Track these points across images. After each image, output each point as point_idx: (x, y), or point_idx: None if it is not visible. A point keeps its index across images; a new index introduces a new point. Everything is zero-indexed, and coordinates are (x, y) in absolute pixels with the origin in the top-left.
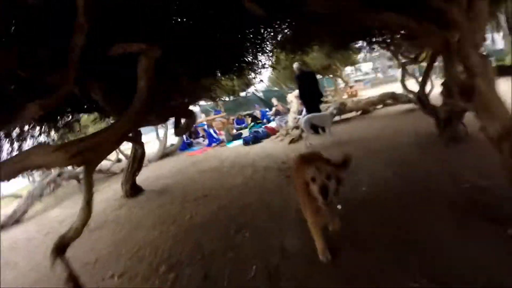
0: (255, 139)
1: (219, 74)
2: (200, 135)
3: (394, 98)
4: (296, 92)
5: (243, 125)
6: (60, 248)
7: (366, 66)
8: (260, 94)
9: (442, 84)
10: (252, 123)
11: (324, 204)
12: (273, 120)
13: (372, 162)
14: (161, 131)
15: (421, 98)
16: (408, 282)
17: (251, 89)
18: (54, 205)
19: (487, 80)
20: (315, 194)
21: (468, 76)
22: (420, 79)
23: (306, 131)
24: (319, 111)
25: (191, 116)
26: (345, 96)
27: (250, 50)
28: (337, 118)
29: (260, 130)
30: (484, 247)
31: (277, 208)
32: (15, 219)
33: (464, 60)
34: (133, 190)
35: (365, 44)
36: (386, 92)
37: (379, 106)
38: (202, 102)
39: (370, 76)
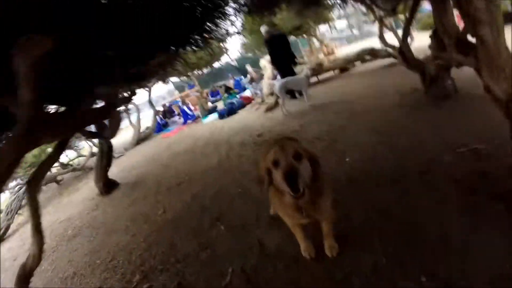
0: (230, 111)
1: (173, 49)
2: (176, 113)
3: (372, 53)
4: (268, 56)
5: (218, 97)
6: (23, 279)
7: (341, 24)
8: (234, 63)
9: (432, 35)
10: (226, 94)
11: (295, 196)
12: (249, 88)
13: (356, 129)
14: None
15: (404, 52)
16: (408, 283)
17: (224, 59)
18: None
19: (494, 29)
20: (279, 183)
21: (468, 25)
22: (399, 32)
23: (281, 97)
24: (294, 74)
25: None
26: (321, 55)
27: (208, 16)
28: (314, 79)
29: (234, 100)
30: (498, 237)
31: (255, 192)
32: None
33: (464, 5)
34: (107, 186)
35: None
36: (364, 48)
37: (358, 63)
38: (174, 79)
39: (346, 33)
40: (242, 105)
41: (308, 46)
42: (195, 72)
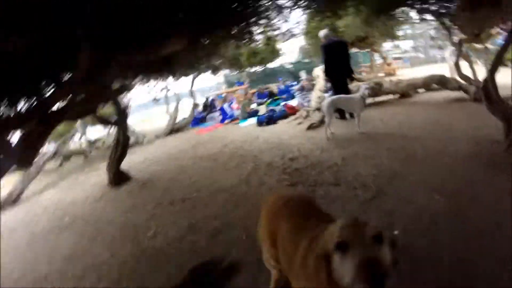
0: (270, 119)
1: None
2: (217, 108)
3: (442, 82)
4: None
5: (266, 99)
6: None
7: (406, 44)
8: (289, 67)
9: None
10: (269, 100)
11: None
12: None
13: (412, 180)
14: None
15: (488, 88)
16: None
17: (280, 60)
18: (49, 186)
19: None
20: (345, 276)
21: None
22: (477, 62)
23: (327, 116)
24: (348, 91)
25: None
26: (381, 74)
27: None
28: (370, 100)
29: (277, 108)
30: None
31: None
32: (12, 200)
33: None
34: (117, 178)
35: (413, 11)
36: (433, 74)
37: (422, 90)
38: (226, 71)
39: (410, 54)
40: (284, 115)
41: (370, 62)
42: (247, 69)
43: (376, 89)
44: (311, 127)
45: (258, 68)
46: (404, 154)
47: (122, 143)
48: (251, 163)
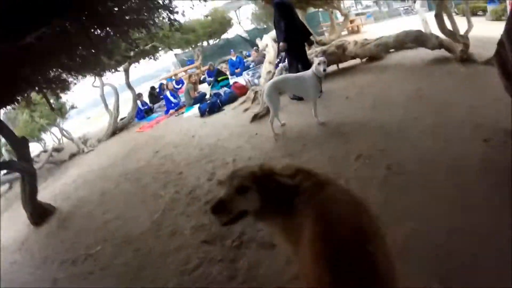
0: (213, 107)
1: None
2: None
3: (419, 40)
4: (273, 33)
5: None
6: None
7: None
8: (245, 35)
9: None
10: (214, 81)
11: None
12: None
13: (404, 205)
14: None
15: (503, 56)
16: None
17: (233, 30)
18: None
19: None
20: None
21: None
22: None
23: (271, 105)
24: (307, 60)
25: None
26: (344, 33)
27: None
28: (332, 67)
29: (222, 91)
30: None
31: None
32: None
33: None
34: (36, 216)
35: None
36: (407, 30)
37: (392, 50)
38: (178, 51)
39: (372, 9)
40: (232, 98)
41: (330, 21)
42: (199, 44)
43: (339, 54)
44: (255, 117)
45: (211, 42)
46: (385, 157)
47: (28, 177)
48: (172, 187)
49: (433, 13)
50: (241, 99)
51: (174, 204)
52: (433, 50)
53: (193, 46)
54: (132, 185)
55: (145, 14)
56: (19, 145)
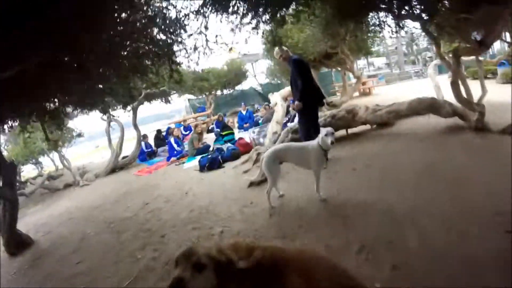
0: (213, 162)
1: None
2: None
3: (433, 108)
4: (285, 91)
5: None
6: None
7: (379, 61)
8: (259, 88)
9: None
10: (218, 134)
11: None
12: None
13: None
14: (115, 136)
15: None
16: None
17: (249, 82)
18: None
19: None
20: None
21: None
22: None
23: (269, 175)
24: (317, 124)
25: None
26: (356, 94)
27: None
28: (340, 132)
29: (225, 147)
30: None
31: None
32: None
33: None
34: (13, 246)
35: (390, 17)
36: (420, 98)
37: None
38: (191, 95)
39: (384, 71)
40: (235, 155)
41: (342, 82)
42: (213, 92)
43: (348, 119)
44: (252, 184)
45: (225, 92)
46: (390, 261)
47: (10, 204)
48: (151, 251)
49: (444, 76)
50: (244, 157)
51: (147, 273)
52: (446, 118)
53: (206, 93)
54: (112, 237)
55: (146, 60)
56: (6, 170)
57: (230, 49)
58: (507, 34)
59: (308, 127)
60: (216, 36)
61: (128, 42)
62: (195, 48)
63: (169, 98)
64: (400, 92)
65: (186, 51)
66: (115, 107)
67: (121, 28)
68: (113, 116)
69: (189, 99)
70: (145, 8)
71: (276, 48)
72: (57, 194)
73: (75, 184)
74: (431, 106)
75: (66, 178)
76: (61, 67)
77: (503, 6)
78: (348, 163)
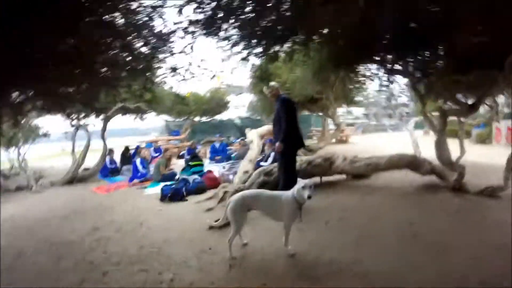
0: (176, 193)
1: None
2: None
3: (413, 165)
4: (262, 129)
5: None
6: None
7: (357, 110)
8: (238, 121)
9: None
10: (186, 164)
11: None
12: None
13: None
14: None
15: None
16: None
17: (229, 113)
18: None
19: None
20: None
21: None
22: None
23: (233, 222)
24: (294, 169)
25: None
26: (332, 140)
27: None
28: (315, 179)
29: (191, 178)
30: None
31: None
32: None
33: None
34: None
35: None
36: (401, 154)
37: None
38: (167, 117)
39: (361, 121)
40: (200, 189)
41: (321, 127)
42: (191, 117)
43: (325, 167)
44: (213, 226)
45: (203, 119)
46: None
47: None
48: None
49: (419, 132)
50: (209, 192)
51: None
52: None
53: (184, 117)
54: (50, 262)
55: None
56: None
57: (213, 76)
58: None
59: (287, 172)
60: (201, 60)
61: (103, 48)
62: (174, 69)
63: (144, 116)
64: (376, 143)
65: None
66: (86, 114)
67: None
68: (81, 124)
69: (166, 120)
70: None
71: (270, 83)
72: (7, 194)
73: (27, 188)
74: (411, 163)
75: (21, 178)
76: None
77: (497, 70)
78: (321, 215)
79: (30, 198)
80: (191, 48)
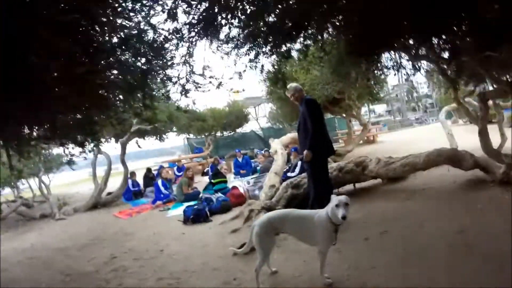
0: (198, 215)
1: None
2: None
3: (454, 160)
4: (286, 137)
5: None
6: None
7: (379, 108)
8: (260, 132)
9: None
10: (208, 182)
11: None
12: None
13: None
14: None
15: None
16: None
17: (250, 125)
18: None
19: None
20: None
21: None
22: None
23: (259, 249)
24: (328, 179)
25: None
26: (360, 142)
27: None
28: (348, 187)
29: (214, 197)
30: None
31: None
32: None
33: None
34: None
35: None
36: (439, 149)
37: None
38: (190, 135)
39: (385, 118)
40: (225, 208)
41: (347, 129)
42: (212, 133)
43: (357, 173)
44: (240, 248)
45: (225, 133)
46: None
47: None
48: None
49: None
50: (235, 210)
51: None
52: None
53: (206, 134)
54: None
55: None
56: None
57: (219, 84)
58: None
59: (319, 183)
60: (204, 68)
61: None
62: (170, 79)
63: (164, 136)
64: (405, 139)
65: (165, 82)
66: (108, 139)
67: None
68: (100, 149)
69: (187, 138)
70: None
71: (290, 84)
72: (31, 223)
73: (51, 216)
74: (451, 158)
75: (46, 206)
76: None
77: None
78: (358, 229)
79: (53, 225)
80: (190, 54)
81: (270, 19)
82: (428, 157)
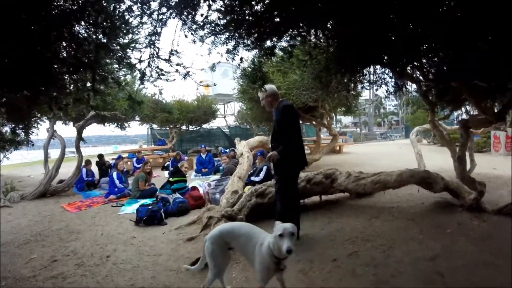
0: (152, 218)
1: None
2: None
3: (425, 182)
4: (254, 140)
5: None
6: None
7: (346, 119)
8: (226, 130)
9: None
10: (166, 181)
11: None
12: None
13: None
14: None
15: None
16: None
17: (218, 121)
18: None
19: None
20: None
21: None
22: None
23: (212, 263)
24: (295, 190)
25: None
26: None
27: None
28: (315, 198)
29: (171, 198)
30: None
31: None
32: None
33: None
34: None
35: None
36: (412, 170)
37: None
38: (154, 126)
39: (350, 130)
40: (183, 210)
41: (316, 138)
42: (177, 126)
43: (326, 185)
44: (188, 269)
45: (191, 128)
46: None
47: None
48: None
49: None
50: (193, 213)
51: None
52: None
53: (171, 126)
54: None
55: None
56: None
57: (187, 73)
58: None
59: (286, 198)
60: (171, 52)
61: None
62: (132, 62)
63: (126, 124)
64: (370, 151)
65: (122, 63)
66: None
67: None
68: (55, 131)
69: (151, 128)
70: None
71: (269, 86)
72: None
73: None
74: (424, 180)
75: None
76: None
77: None
78: (326, 248)
79: None
80: (156, 35)
81: (258, 7)
82: (400, 176)
